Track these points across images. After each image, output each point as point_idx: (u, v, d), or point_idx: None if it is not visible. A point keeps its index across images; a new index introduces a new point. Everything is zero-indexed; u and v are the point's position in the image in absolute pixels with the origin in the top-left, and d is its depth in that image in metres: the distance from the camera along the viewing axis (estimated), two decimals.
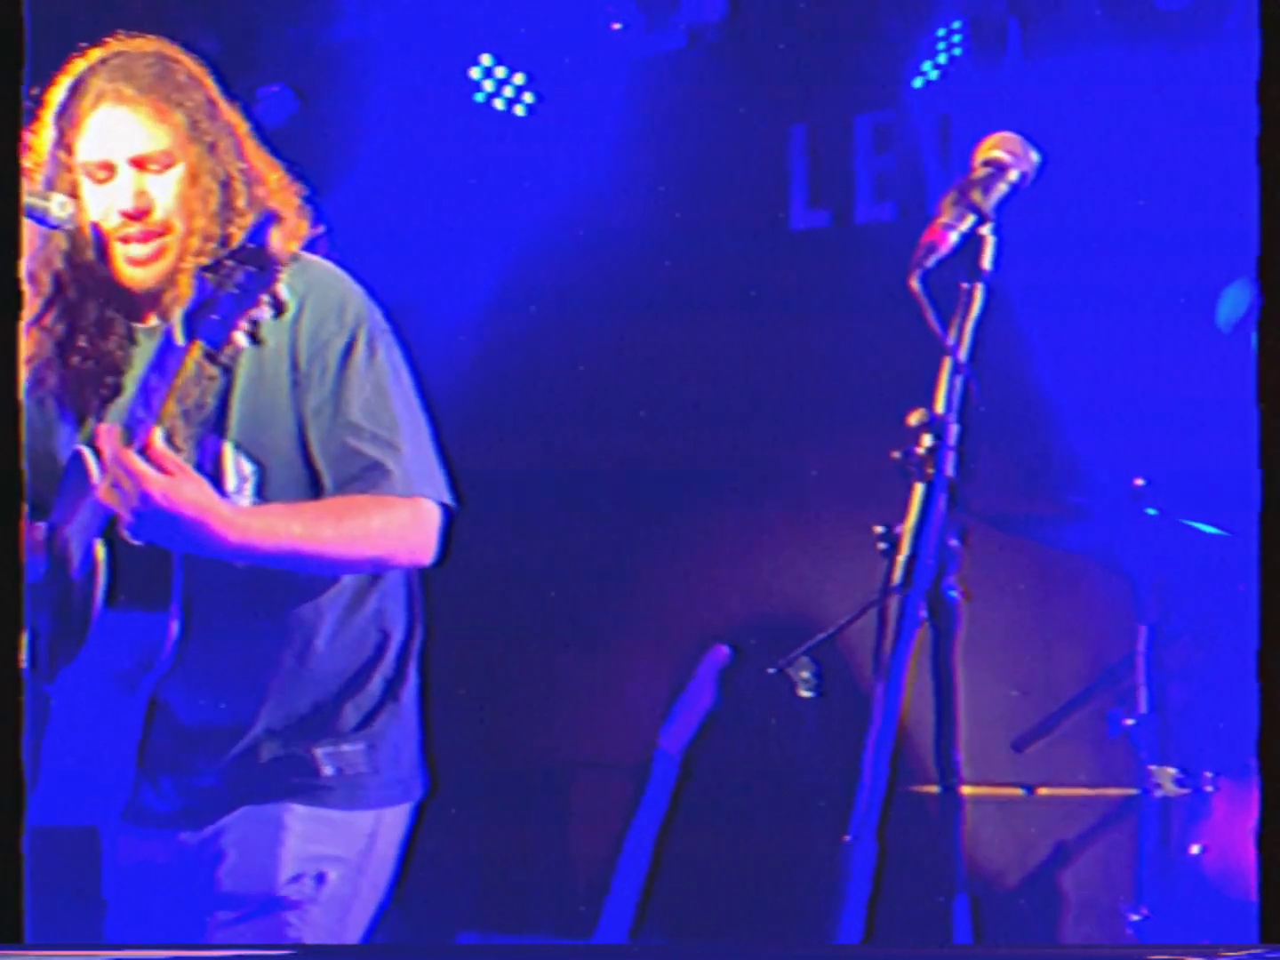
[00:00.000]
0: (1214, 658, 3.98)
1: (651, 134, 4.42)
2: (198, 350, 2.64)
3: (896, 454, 2.26)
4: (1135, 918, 3.66)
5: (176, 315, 2.69)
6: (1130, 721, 3.73)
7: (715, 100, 4.39)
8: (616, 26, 4.30)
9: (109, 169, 2.82)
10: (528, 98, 4.42)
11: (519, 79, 4.39)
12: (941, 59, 4.15)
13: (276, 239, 2.67)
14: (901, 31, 4.16)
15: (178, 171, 2.86)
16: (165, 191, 2.84)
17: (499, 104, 4.46)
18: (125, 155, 2.84)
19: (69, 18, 3.46)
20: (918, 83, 4.14)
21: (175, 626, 2.79)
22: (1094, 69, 4.00)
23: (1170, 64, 4.02)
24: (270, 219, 2.68)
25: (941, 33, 4.15)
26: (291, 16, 4.41)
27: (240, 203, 2.87)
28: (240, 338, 2.62)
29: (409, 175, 4.40)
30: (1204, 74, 4.02)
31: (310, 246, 2.95)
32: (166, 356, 2.71)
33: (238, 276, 2.62)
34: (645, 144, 4.41)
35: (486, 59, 4.37)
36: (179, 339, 2.65)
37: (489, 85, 4.42)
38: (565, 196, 4.41)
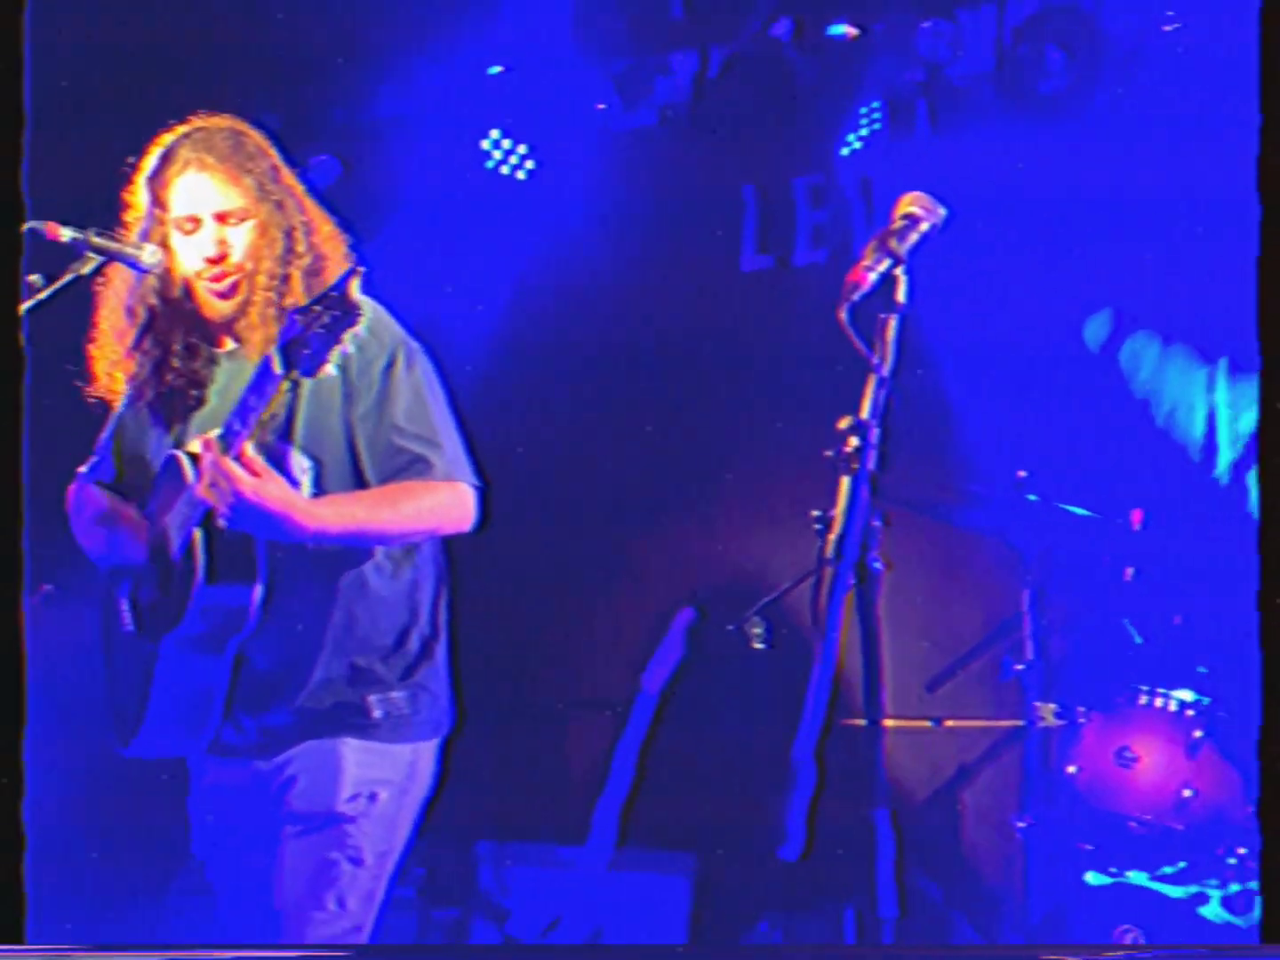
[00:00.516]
0: (1087, 614, 4.08)
1: (629, 193, 4.57)
2: (290, 378, 2.80)
3: (829, 452, 2.36)
4: (1021, 825, 3.85)
5: (272, 349, 2.81)
6: (1020, 667, 3.89)
7: (680, 165, 4.55)
8: (601, 106, 4.46)
9: (195, 222, 2.97)
10: (529, 165, 4.63)
11: (522, 149, 4.59)
12: (864, 132, 4.36)
13: (355, 289, 2.76)
14: (831, 110, 4.31)
15: (250, 224, 3.00)
16: (240, 240, 2.99)
17: (505, 170, 4.66)
18: (209, 211, 2.99)
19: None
20: (845, 151, 4.36)
21: (258, 596, 2.93)
22: (989, 141, 4.17)
23: (1049, 136, 4.15)
24: (350, 272, 2.78)
25: (864, 111, 4.33)
26: (338, 98, 4.46)
27: (300, 248, 3.03)
28: (330, 368, 2.78)
29: (433, 226, 4.52)
30: (1075, 144, 4.17)
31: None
32: (265, 382, 2.83)
33: (325, 319, 2.75)
34: (624, 201, 4.57)
35: (495, 133, 4.58)
36: (277, 368, 2.79)
37: (497, 154, 4.64)
38: (559, 243, 4.55)
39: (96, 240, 2.97)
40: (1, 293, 2.75)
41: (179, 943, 3.18)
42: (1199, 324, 4.34)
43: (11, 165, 3.50)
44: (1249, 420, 4.22)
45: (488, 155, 4.64)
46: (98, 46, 4.40)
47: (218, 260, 2.98)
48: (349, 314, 2.75)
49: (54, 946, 2.85)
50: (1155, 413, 4.34)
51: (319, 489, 3.01)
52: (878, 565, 2.35)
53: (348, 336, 2.78)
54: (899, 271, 2.43)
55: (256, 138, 3.07)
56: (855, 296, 2.39)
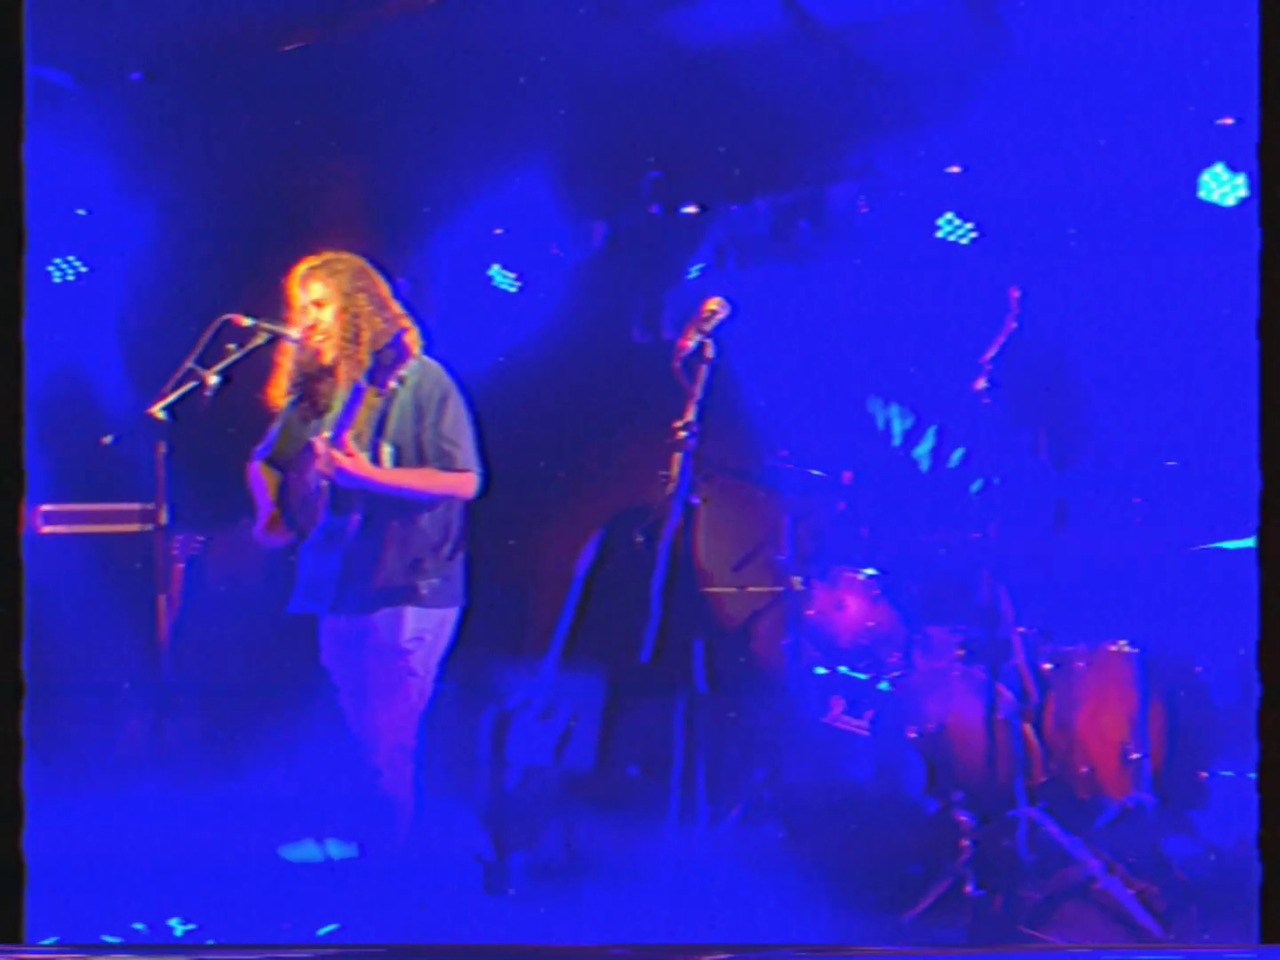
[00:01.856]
0: (820, 528, 4.38)
1: (583, 299, 4.85)
2: (372, 392, 3.14)
3: (678, 436, 2.75)
4: (785, 642, 4.20)
5: (360, 376, 3.12)
6: (782, 556, 4.24)
7: (600, 284, 4.91)
8: (556, 251, 4.81)
9: (304, 308, 3.32)
10: (518, 283, 4.95)
11: (513, 274, 4.92)
12: (700, 266, 4.77)
13: (408, 340, 3.15)
14: (683, 254, 4.74)
15: (331, 307, 3.30)
16: (325, 315, 3.29)
17: (506, 287, 4.96)
18: (310, 300, 3.30)
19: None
20: (691, 275, 4.79)
21: (357, 521, 3.27)
22: (771, 275, 4.63)
23: (805, 277, 4.59)
24: (404, 331, 3.16)
25: (701, 256, 4.76)
26: (407, 243, 4.67)
27: (363, 324, 3.26)
28: (393, 384, 3.12)
29: (464, 317, 4.74)
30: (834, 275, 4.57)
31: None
32: (356, 395, 3.15)
33: (388, 358, 3.12)
34: (578, 303, 4.85)
35: (497, 266, 4.91)
36: (363, 384, 3.13)
37: (499, 278, 4.97)
38: (537, 330, 4.84)
39: (265, 324, 3.27)
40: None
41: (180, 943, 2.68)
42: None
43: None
44: (908, 425, 4.64)
45: (492, 279, 4.93)
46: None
47: (312, 327, 3.29)
48: (401, 356, 3.08)
49: (54, 946, 2.54)
50: (874, 415, 4.68)
51: (397, 464, 3.28)
52: (695, 501, 2.74)
53: (402, 369, 3.08)
54: (707, 341, 2.79)
55: (346, 260, 3.33)
56: (682, 356, 2.79)
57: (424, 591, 3.23)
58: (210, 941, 2.84)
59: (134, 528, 4.29)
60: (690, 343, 2.76)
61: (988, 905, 3.18)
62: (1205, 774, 3.66)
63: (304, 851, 3.53)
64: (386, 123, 4.31)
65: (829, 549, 4.35)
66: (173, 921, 2.89)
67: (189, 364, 3.19)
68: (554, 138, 4.37)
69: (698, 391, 2.71)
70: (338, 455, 3.11)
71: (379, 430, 3.26)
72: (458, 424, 3.28)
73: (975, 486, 4.05)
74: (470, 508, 3.33)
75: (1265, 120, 2.38)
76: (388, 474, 3.22)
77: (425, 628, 3.28)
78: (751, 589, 4.60)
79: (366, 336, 3.27)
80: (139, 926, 2.87)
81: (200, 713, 4.02)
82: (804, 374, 4.68)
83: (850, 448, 4.56)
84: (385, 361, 3.08)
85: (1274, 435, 2.35)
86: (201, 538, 4.55)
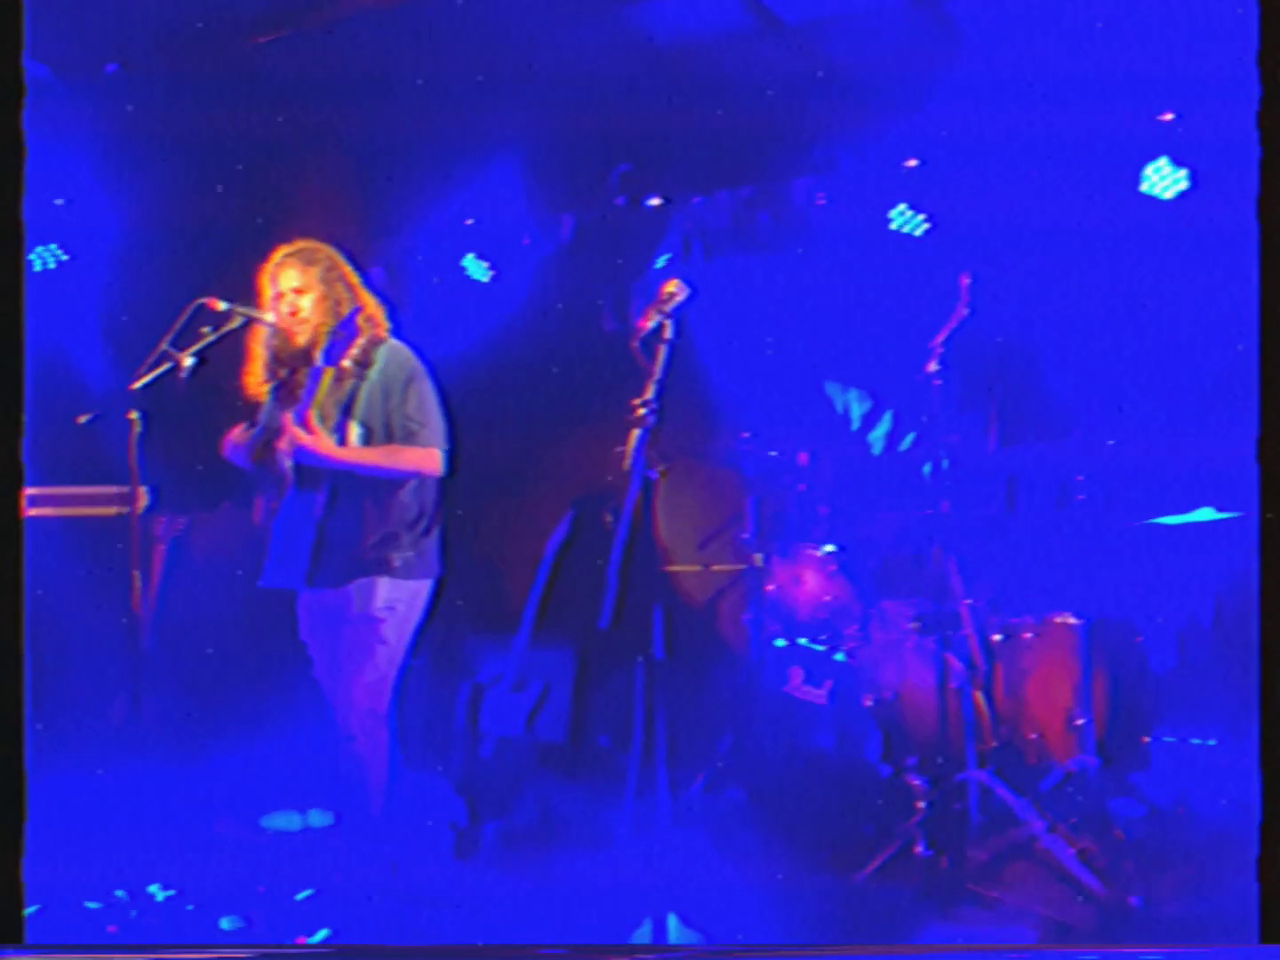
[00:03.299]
0: (781, 509, 4.33)
1: (554, 287, 4.79)
2: (330, 373, 3.10)
3: (637, 414, 2.69)
4: (746, 618, 4.20)
5: (319, 355, 3.12)
6: (745, 535, 4.24)
7: (569, 273, 4.82)
8: (526, 241, 4.72)
9: (282, 295, 3.28)
10: (491, 273, 4.85)
11: (486, 264, 4.81)
12: (668, 256, 4.68)
13: (361, 320, 3.14)
14: (648, 245, 4.66)
15: (311, 295, 3.28)
16: (306, 304, 3.28)
17: (480, 277, 4.85)
18: (290, 287, 3.28)
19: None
20: (658, 265, 4.70)
21: (323, 497, 3.22)
22: (737, 268, 4.57)
23: (767, 268, 4.53)
24: (357, 310, 3.15)
25: (667, 247, 4.67)
26: (384, 231, 4.62)
27: (343, 310, 3.24)
28: (346, 362, 3.10)
29: (436, 305, 4.70)
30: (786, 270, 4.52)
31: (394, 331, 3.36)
32: (315, 375, 3.14)
33: (340, 336, 3.11)
34: (548, 293, 4.78)
35: (471, 255, 4.81)
36: (320, 364, 3.12)
37: (473, 268, 4.85)
38: (507, 315, 4.77)
39: (240, 309, 3.24)
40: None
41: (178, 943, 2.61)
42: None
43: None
44: (866, 408, 4.64)
45: (465, 269, 4.84)
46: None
47: (293, 314, 3.27)
48: (351, 335, 3.09)
49: (54, 946, 2.44)
50: (833, 400, 4.66)
51: (366, 444, 3.27)
52: (653, 475, 2.70)
53: (354, 348, 3.08)
54: (666, 321, 2.77)
55: (324, 251, 3.30)
56: (641, 335, 2.76)
57: (397, 563, 3.23)
58: (190, 906, 2.83)
59: (115, 511, 4.28)
60: (649, 323, 2.75)
61: (936, 865, 3.21)
62: (1147, 739, 3.71)
63: (284, 820, 3.53)
64: (360, 115, 4.27)
65: (789, 527, 4.33)
66: (153, 888, 2.88)
67: (164, 346, 3.16)
68: (524, 131, 4.35)
69: (657, 371, 2.70)
70: (299, 432, 3.10)
71: (347, 411, 3.25)
72: (423, 404, 3.26)
73: (926, 469, 4.03)
74: (444, 487, 3.32)
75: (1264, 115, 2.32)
76: (348, 452, 3.22)
77: (398, 598, 3.27)
78: (715, 567, 4.57)
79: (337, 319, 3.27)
80: (120, 894, 2.87)
81: (180, 689, 4.02)
82: (766, 360, 4.66)
83: (811, 431, 4.56)
84: (338, 339, 3.08)
85: (1273, 426, 2.29)
86: (183, 520, 4.51)
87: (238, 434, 3.38)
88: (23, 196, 2.56)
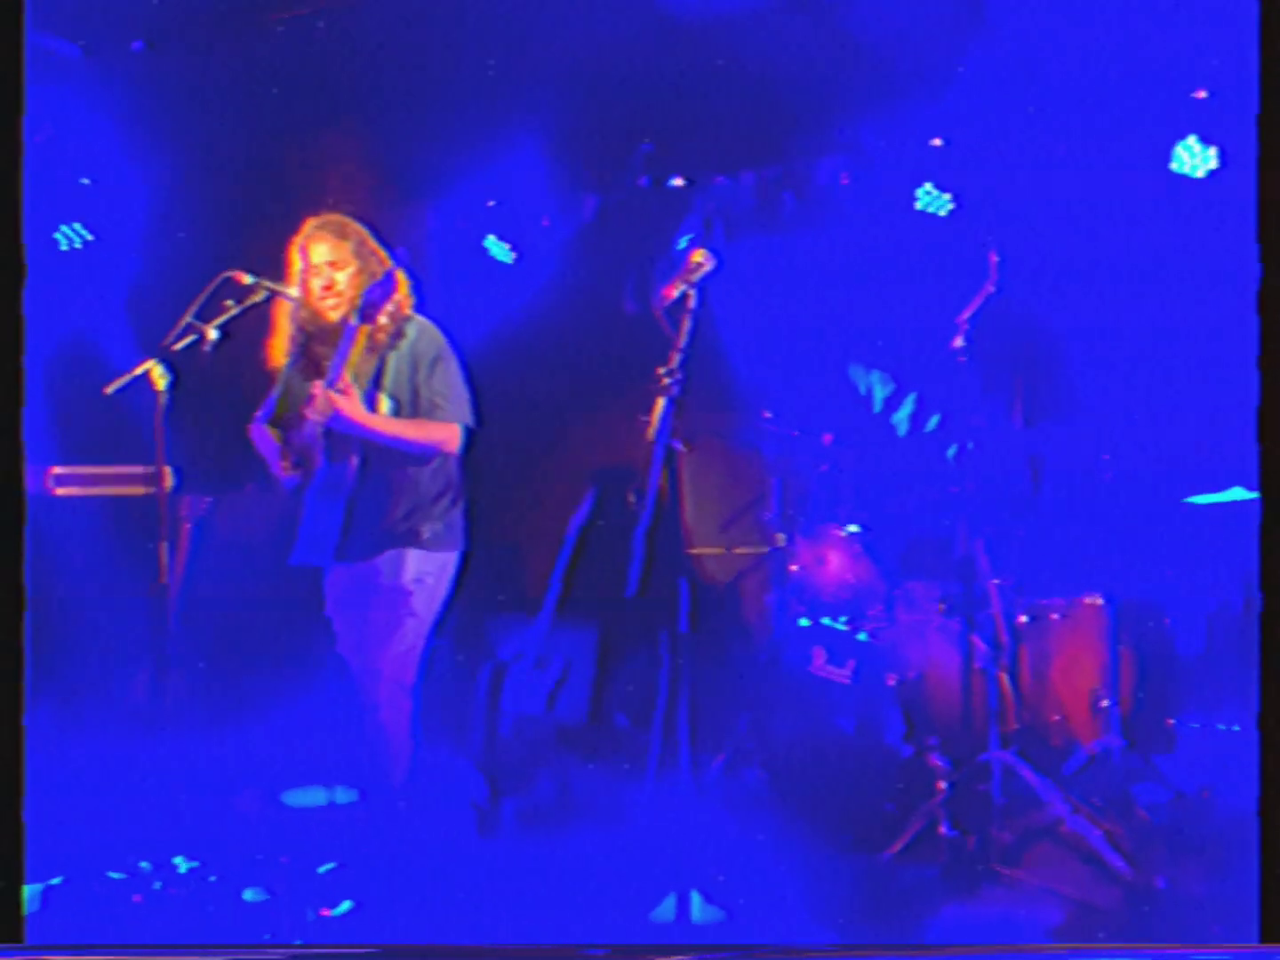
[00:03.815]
0: (805, 488, 4.33)
1: (575, 268, 4.80)
2: (364, 334, 3.11)
3: (662, 383, 2.69)
4: (768, 598, 4.27)
5: (352, 314, 3.08)
6: (767, 515, 4.28)
7: (591, 253, 4.84)
8: (546, 223, 4.76)
9: (318, 269, 3.30)
10: (513, 254, 4.90)
11: (508, 246, 4.86)
12: (690, 237, 4.68)
13: (397, 276, 3.16)
14: (672, 226, 4.67)
15: (348, 270, 3.30)
16: (341, 278, 3.29)
17: (504, 259, 4.88)
18: (324, 261, 3.30)
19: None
20: (680, 245, 4.68)
21: (354, 466, 3.25)
22: (755, 243, 4.61)
23: (789, 248, 4.55)
24: (394, 269, 3.17)
25: (689, 227, 4.70)
26: (408, 212, 4.59)
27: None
28: (382, 319, 3.10)
29: (461, 282, 4.70)
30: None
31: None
32: (349, 334, 3.13)
33: (376, 294, 3.11)
34: (571, 273, 4.80)
35: (492, 236, 4.84)
36: (353, 321, 3.10)
37: (496, 251, 4.90)
38: (532, 295, 4.78)
39: (265, 282, 3.23)
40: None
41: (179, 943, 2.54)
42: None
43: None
44: (889, 391, 4.61)
45: (488, 250, 4.88)
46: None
47: (329, 287, 3.28)
48: (387, 291, 3.10)
49: (53, 947, 2.38)
50: (856, 381, 4.66)
51: (395, 415, 3.30)
52: (678, 446, 2.69)
53: (389, 304, 3.09)
54: (691, 291, 2.77)
55: (355, 226, 3.31)
56: (666, 304, 2.76)
57: (425, 535, 3.24)
58: (212, 878, 2.85)
59: (141, 490, 4.30)
60: (675, 292, 2.75)
61: (960, 845, 3.19)
62: (1172, 721, 3.67)
63: (310, 796, 3.54)
64: (382, 95, 4.27)
65: (812, 505, 4.33)
66: (177, 859, 2.90)
67: (189, 318, 3.17)
68: (545, 112, 4.35)
69: (681, 340, 2.69)
70: (334, 395, 3.10)
71: (377, 383, 3.26)
72: (448, 381, 3.28)
73: (951, 451, 3.96)
74: (467, 465, 3.35)
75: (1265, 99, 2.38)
76: (380, 420, 3.24)
77: (427, 570, 3.29)
78: (739, 549, 4.60)
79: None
80: (144, 865, 2.88)
81: (205, 665, 4.03)
82: (789, 341, 4.64)
83: (833, 413, 4.53)
84: (373, 297, 3.08)
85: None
86: (208, 499, 4.54)
87: (281, 465, 3.36)
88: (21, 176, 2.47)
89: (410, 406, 3.29)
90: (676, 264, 4.21)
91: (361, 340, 3.12)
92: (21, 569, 2.38)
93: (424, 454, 3.29)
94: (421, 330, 3.29)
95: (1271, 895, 2.17)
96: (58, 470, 4.38)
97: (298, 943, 2.57)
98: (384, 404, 3.25)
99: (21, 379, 2.49)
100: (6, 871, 2.13)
